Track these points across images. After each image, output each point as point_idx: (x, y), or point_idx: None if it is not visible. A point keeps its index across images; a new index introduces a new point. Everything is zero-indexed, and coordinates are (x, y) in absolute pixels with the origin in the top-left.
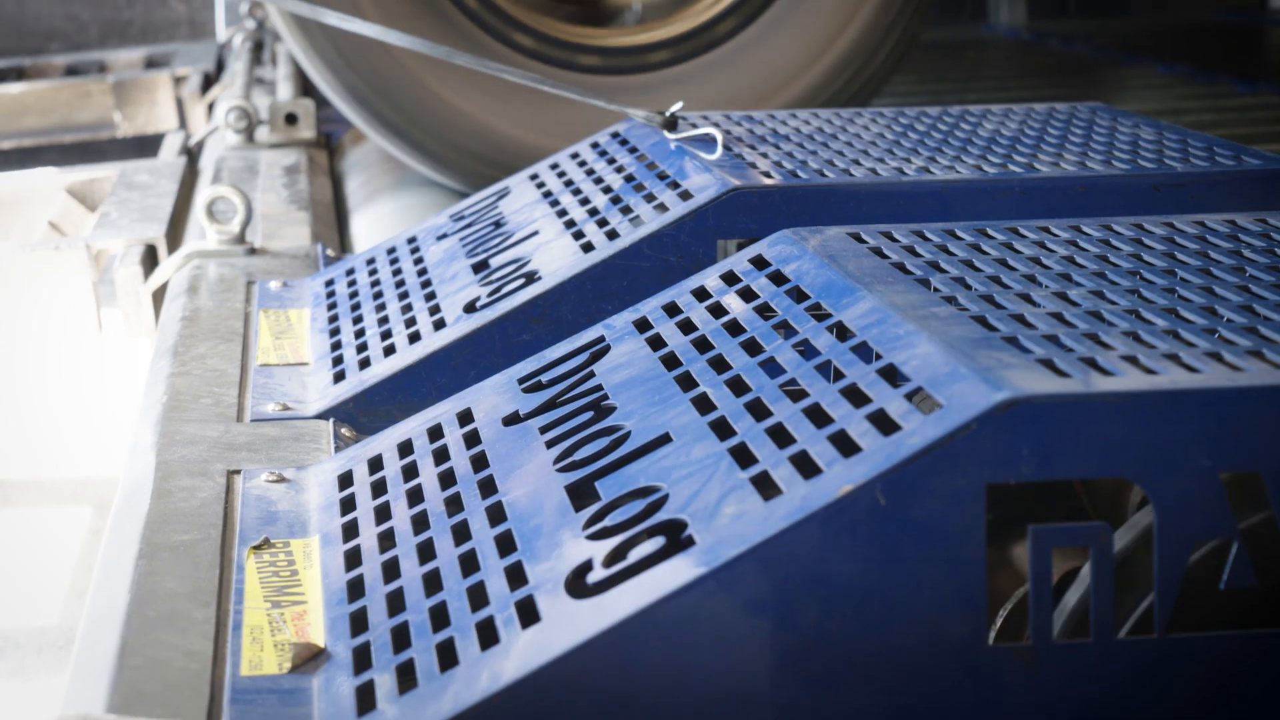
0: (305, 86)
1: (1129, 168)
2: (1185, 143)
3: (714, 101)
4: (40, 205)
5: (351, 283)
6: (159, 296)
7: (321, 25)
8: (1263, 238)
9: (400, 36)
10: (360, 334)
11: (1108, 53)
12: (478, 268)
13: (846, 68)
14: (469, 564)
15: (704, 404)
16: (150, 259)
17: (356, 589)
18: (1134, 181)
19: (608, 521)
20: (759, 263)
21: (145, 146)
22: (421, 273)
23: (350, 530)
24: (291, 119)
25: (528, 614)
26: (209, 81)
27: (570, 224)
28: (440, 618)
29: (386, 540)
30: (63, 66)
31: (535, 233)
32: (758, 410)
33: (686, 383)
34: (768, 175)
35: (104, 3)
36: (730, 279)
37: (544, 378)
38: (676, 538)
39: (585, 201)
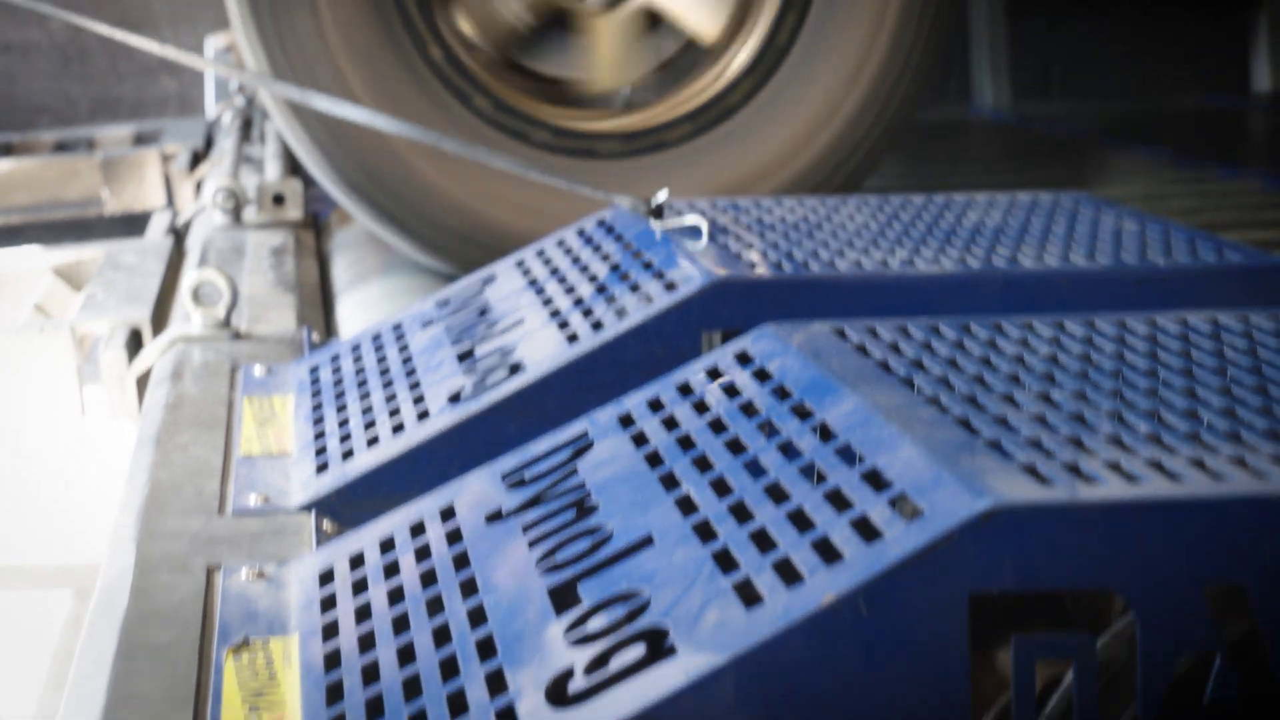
0: (293, 165)
1: (1112, 262)
2: (1168, 235)
3: (702, 186)
4: (27, 286)
5: (336, 370)
6: (143, 380)
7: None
8: (1244, 337)
9: (389, 122)
10: (344, 423)
11: (1091, 135)
12: (463, 356)
13: (831, 159)
14: (449, 668)
15: (687, 505)
16: (135, 342)
17: (335, 693)
18: (1117, 276)
19: (589, 627)
20: (743, 358)
21: (133, 223)
22: (406, 360)
23: (330, 630)
24: (279, 199)
25: None
26: (197, 158)
27: (555, 313)
28: None
29: (367, 642)
30: (52, 142)
31: (521, 321)
32: (740, 513)
33: (669, 482)
34: (752, 266)
35: (94, 79)
36: (714, 374)
37: (527, 473)
38: (659, 646)
39: (571, 290)
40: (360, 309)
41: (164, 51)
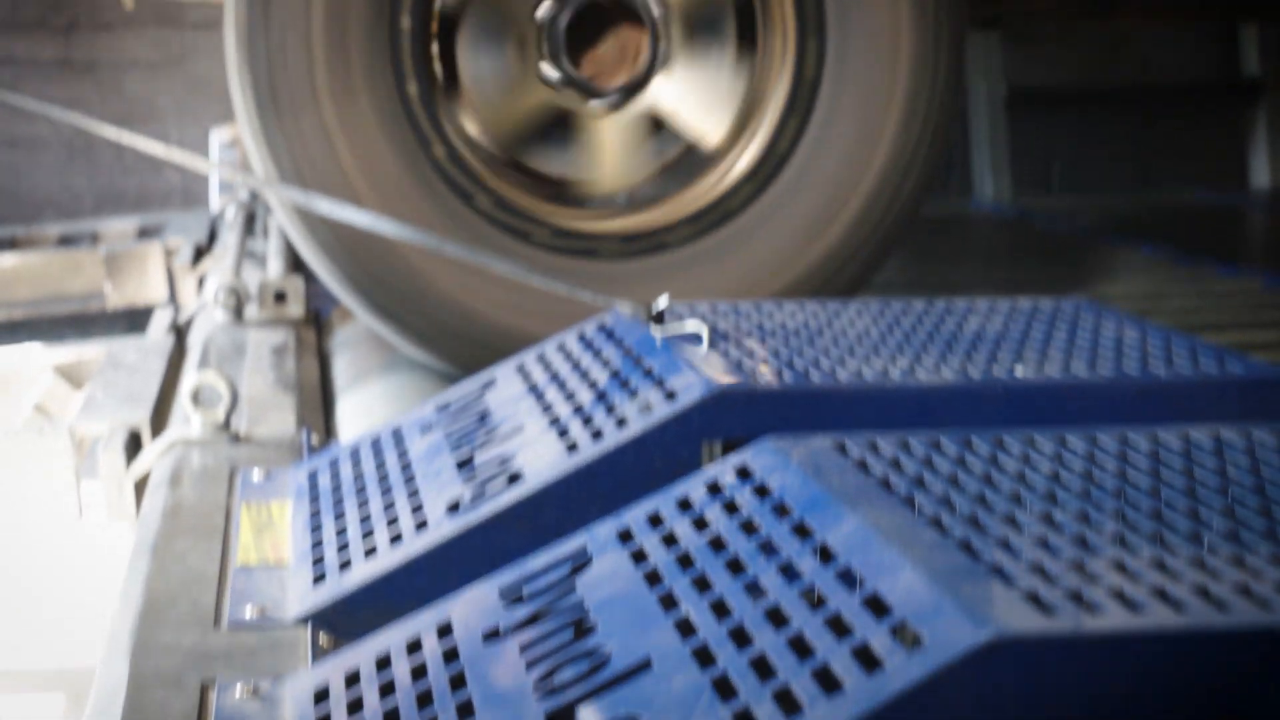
0: (295, 261)
1: (1113, 373)
2: (1169, 344)
3: (704, 288)
4: (27, 384)
5: (334, 476)
6: (141, 483)
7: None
8: (1247, 454)
9: (391, 225)
10: (342, 532)
11: (1091, 232)
12: (462, 464)
13: (833, 262)
14: None
15: (686, 628)
16: (134, 444)
17: None
18: (1118, 387)
19: None
20: (743, 472)
21: (136, 317)
22: (405, 467)
23: None
24: (280, 297)
25: None
26: (200, 252)
27: (555, 420)
28: None
29: None
30: (56, 236)
31: (520, 428)
32: (740, 638)
33: (669, 603)
34: (753, 375)
35: (100, 172)
36: (714, 489)
37: (525, 590)
38: None
39: (570, 397)
40: (361, 410)
41: (169, 154)
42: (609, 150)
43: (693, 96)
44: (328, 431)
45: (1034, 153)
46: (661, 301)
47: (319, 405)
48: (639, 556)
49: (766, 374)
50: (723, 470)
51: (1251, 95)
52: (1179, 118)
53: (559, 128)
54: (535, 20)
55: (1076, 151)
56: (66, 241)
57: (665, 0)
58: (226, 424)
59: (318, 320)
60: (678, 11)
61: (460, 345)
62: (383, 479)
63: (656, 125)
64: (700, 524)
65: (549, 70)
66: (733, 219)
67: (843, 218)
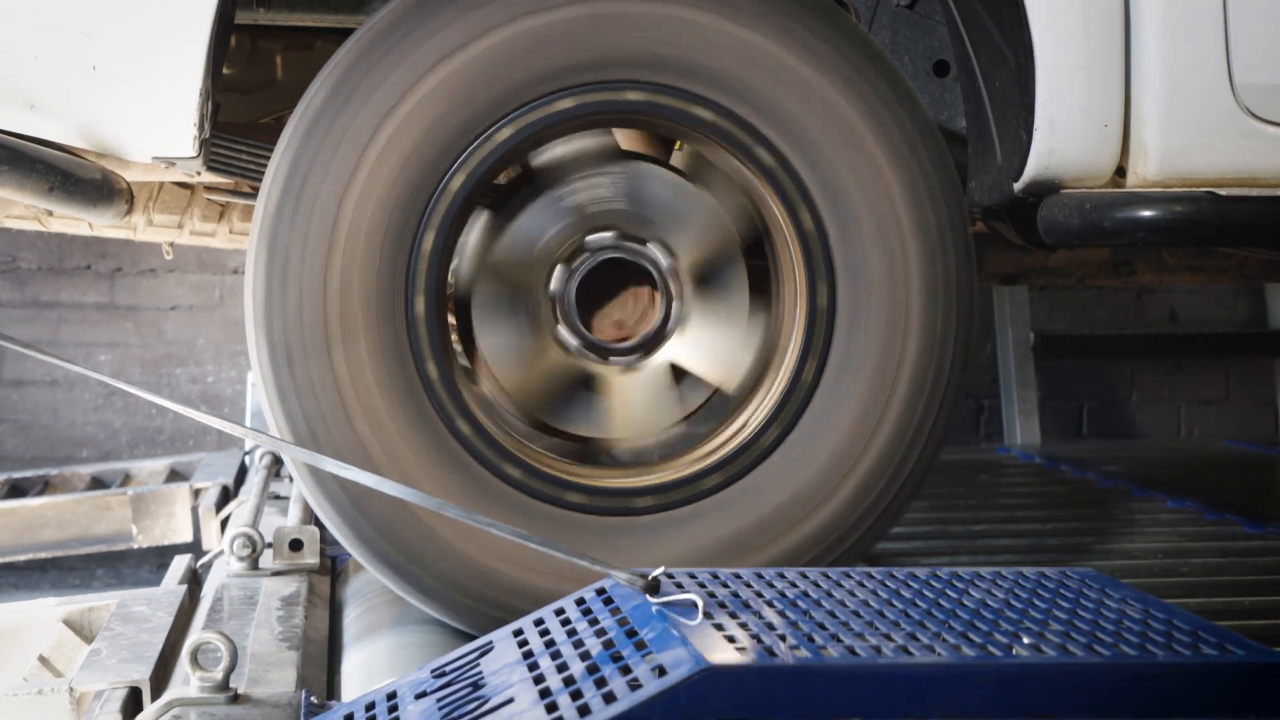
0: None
1: (1110, 654)
2: (1170, 625)
3: (730, 535)
4: (36, 636)
5: None
6: None
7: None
8: None
9: (395, 487)
10: None
11: (1119, 482)
12: None
13: (835, 529)
14: None
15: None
16: (134, 702)
17: None
18: (1114, 670)
19: None
20: None
21: (164, 554)
22: None
23: None
24: (296, 545)
25: None
26: (227, 494)
27: (545, 693)
28: None
29: None
30: (88, 477)
31: (510, 700)
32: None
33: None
34: (744, 650)
35: (135, 410)
36: None
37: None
38: None
39: (563, 669)
40: (366, 667)
41: (196, 415)
42: (635, 405)
43: (710, 347)
44: (330, 690)
45: (1063, 399)
46: (658, 571)
47: (324, 662)
48: None
49: (757, 650)
50: None
51: None
52: (1208, 367)
53: (582, 389)
54: (548, 292)
55: (1106, 398)
56: (98, 483)
57: (675, 257)
58: (225, 684)
59: (333, 567)
60: (688, 269)
61: (474, 605)
62: None
63: (679, 373)
64: None
65: (566, 335)
66: (759, 465)
67: (866, 460)
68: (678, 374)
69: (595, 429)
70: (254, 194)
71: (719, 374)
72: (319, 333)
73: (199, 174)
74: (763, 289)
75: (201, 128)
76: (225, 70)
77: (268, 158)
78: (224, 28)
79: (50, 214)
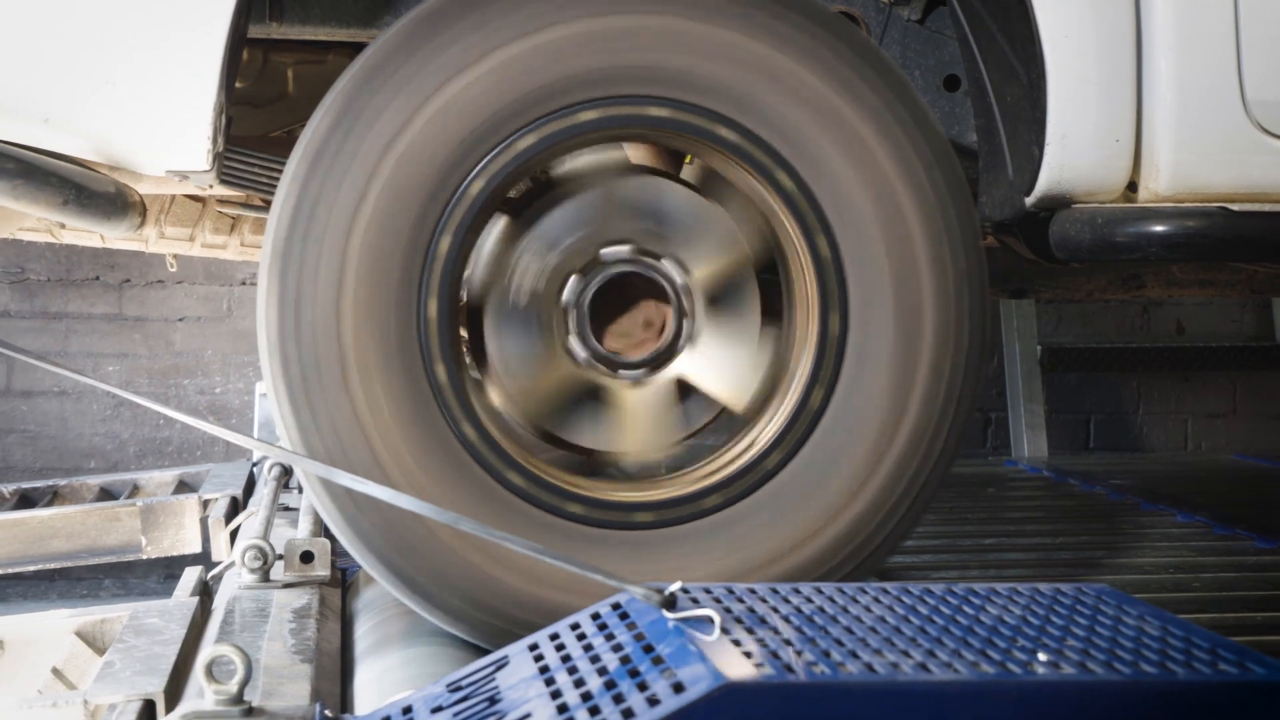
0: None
1: (1131, 673)
2: (1189, 643)
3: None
4: (49, 648)
5: None
6: None
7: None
8: None
9: (410, 501)
10: None
11: (1127, 495)
12: None
13: (845, 546)
14: None
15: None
16: (148, 715)
17: None
18: (1134, 688)
19: None
20: None
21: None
22: None
23: None
24: (307, 557)
25: None
26: (236, 505)
27: (563, 709)
28: None
29: None
30: (96, 488)
31: (527, 716)
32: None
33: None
34: (761, 666)
35: (143, 421)
36: None
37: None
38: None
39: (580, 684)
40: (379, 680)
41: (204, 426)
42: (641, 420)
43: (719, 366)
44: (343, 703)
45: (1070, 411)
46: (674, 587)
47: (336, 675)
48: None
49: (774, 666)
50: None
51: None
52: (1215, 380)
53: (589, 400)
54: (560, 303)
55: (1113, 411)
56: (107, 494)
57: (689, 273)
58: (239, 697)
59: (344, 579)
60: (700, 286)
61: (485, 618)
62: None
63: (686, 390)
64: None
65: (576, 347)
66: (765, 484)
67: (874, 481)
68: (685, 391)
69: (600, 441)
70: (266, 207)
71: (727, 393)
72: (333, 350)
73: (212, 187)
74: (774, 309)
75: (215, 141)
76: (238, 84)
77: (280, 171)
78: (237, 41)
79: (63, 226)
